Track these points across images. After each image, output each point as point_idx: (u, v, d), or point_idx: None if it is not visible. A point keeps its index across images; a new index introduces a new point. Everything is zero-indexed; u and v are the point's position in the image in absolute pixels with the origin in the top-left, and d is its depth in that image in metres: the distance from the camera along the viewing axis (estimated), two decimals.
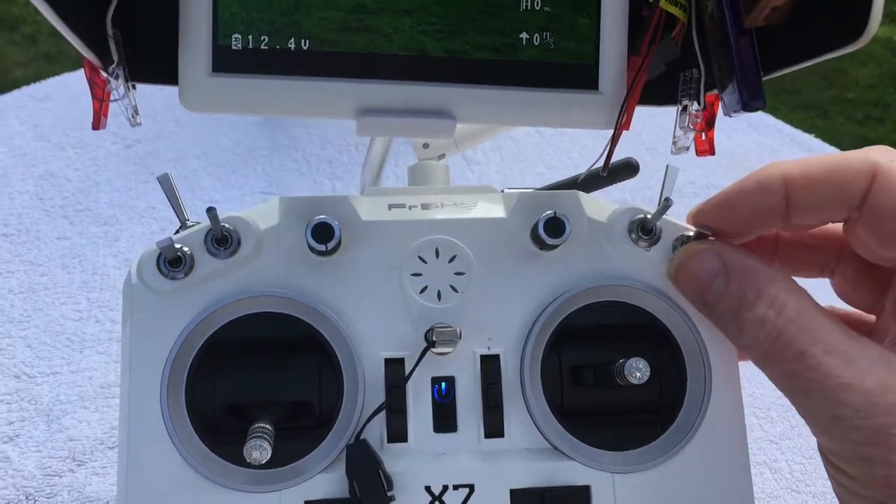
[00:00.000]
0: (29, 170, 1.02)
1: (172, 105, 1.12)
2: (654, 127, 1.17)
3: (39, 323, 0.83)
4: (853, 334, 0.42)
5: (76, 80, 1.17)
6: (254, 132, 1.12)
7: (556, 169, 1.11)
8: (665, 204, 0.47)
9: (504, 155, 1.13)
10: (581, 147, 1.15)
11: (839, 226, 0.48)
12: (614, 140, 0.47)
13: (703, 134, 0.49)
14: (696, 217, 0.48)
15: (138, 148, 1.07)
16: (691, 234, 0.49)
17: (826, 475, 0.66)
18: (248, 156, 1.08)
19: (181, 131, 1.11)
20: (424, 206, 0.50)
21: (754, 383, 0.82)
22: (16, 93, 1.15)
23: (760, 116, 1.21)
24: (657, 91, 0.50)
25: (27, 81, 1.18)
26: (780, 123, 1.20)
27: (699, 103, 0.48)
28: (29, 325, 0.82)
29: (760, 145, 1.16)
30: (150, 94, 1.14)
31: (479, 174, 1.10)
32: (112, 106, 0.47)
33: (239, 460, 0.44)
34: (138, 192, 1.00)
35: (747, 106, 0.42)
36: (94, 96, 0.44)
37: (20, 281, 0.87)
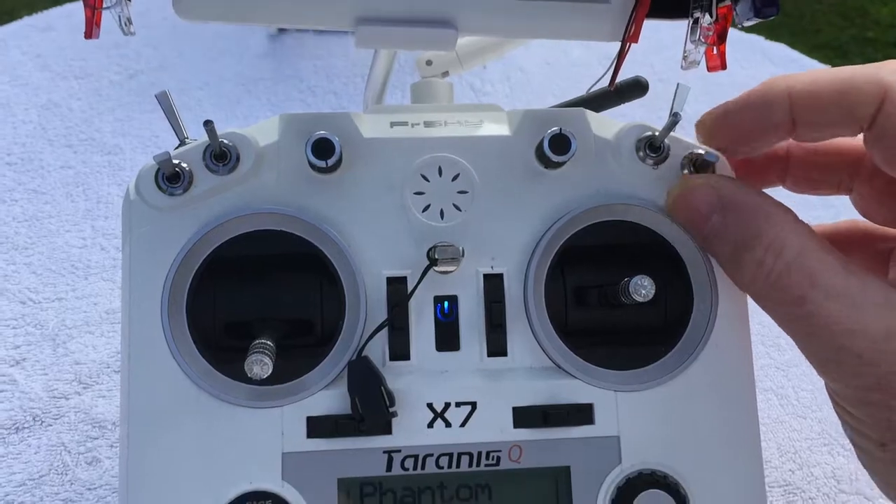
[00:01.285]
0: (31, 99, 1.01)
1: (175, 36, 1.11)
2: (667, 59, 1.14)
3: (44, 250, 0.83)
4: (857, 272, 0.40)
5: (78, 10, 1.14)
6: (258, 63, 1.10)
7: (566, 100, 1.09)
8: (673, 119, 0.46)
9: (513, 86, 1.11)
10: (592, 77, 1.11)
11: (853, 142, 0.47)
12: (622, 53, 0.46)
13: (715, 48, 0.47)
14: (698, 127, 0.47)
15: (141, 78, 1.05)
16: (701, 151, 0.48)
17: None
18: (252, 87, 1.07)
19: (184, 62, 1.09)
20: (427, 124, 0.49)
21: (762, 311, 0.81)
22: (17, 23, 1.13)
23: (776, 47, 1.18)
24: (667, 3, 0.48)
25: None
26: (795, 54, 1.17)
27: (711, 15, 0.46)
28: (33, 252, 0.82)
29: (775, 76, 1.13)
30: (152, 24, 1.13)
31: None
32: (110, 39, 0.46)
33: (241, 376, 0.44)
34: (142, 122, 0.99)
35: (760, 12, 0.41)
36: (85, 4, 0.42)
37: (24, 208, 0.87)
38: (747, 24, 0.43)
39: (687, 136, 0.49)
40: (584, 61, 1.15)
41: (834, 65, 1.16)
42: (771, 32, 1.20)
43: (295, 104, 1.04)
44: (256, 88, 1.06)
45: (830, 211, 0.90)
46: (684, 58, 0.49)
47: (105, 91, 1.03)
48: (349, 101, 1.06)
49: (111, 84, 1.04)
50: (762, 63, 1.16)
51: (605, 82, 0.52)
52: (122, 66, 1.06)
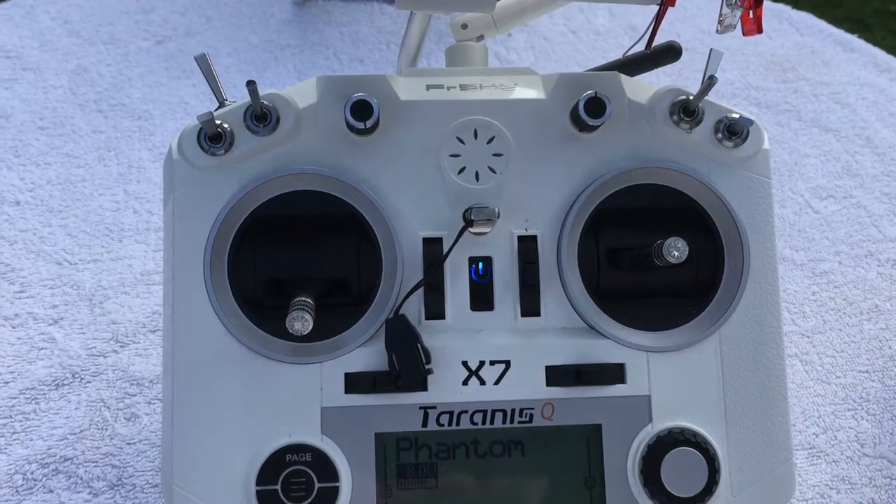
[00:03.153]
0: (61, 65, 1.02)
1: (202, 3, 1.11)
2: (693, 27, 1.14)
3: (78, 213, 0.84)
4: None
5: None
6: (284, 30, 1.10)
7: (599, 65, 1.09)
8: (709, 82, 0.46)
9: (538, 54, 1.11)
10: (617, 47, 1.12)
11: None
12: (659, 16, 0.46)
13: (751, 11, 0.47)
14: None
15: (169, 45, 1.06)
16: (735, 115, 0.48)
17: (856, 368, 0.66)
18: (279, 53, 1.07)
19: (211, 29, 1.09)
20: (463, 87, 0.50)
21: (787, 279, 0.81)
22: None
23: (803, 17, 1.17)
24: None
25: None
26: (822, 24, 1.16)
27: None
28: (68, 215, 0.84)
29: (801, 46, 1.12)
30: None
31: None
32: (136, 5, 0.46)
33: (281, 333, 0.45)
34: (170, 87, 1.00)
35: None
36: None
37: (58, 172, 0.88)
38: None
39: (711, 99, 0.49)
40: (608, 30, 1.14)
41: (858, 37, 1.15)
42: (795, 4, 1.19)
43: (321, 71, 1.05)
44: (283, 55, 1.07)
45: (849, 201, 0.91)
46: (720, 21, 0.49)
47: (133, 57, 1.04)
48: (375, 68, 1.07)
49: (139, 50, 1.04)
50: (789, 32, 1.15)
51: (637, 47, 0.52)
52: (149, 32, 1.07)
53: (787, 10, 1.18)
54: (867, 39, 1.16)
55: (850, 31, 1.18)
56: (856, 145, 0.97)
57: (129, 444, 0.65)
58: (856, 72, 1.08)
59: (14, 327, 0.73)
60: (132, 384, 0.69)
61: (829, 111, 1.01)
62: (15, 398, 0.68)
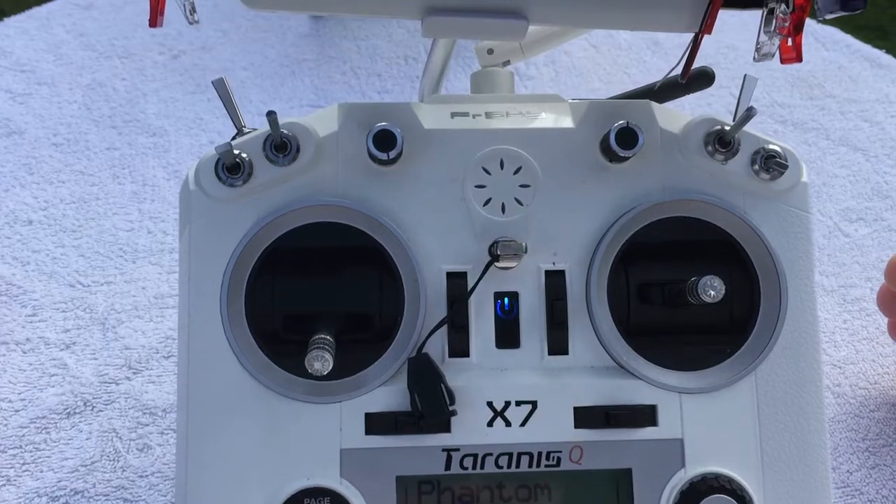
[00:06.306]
0: (76, 79, 1.01)
1: (218, 16, 1.10)
2: (716, 42, 1.12)
3: (92, 233, 0.83)
4: None
5: None
6: (301, 44, 1.09)
7: (613, 85, 1.07)
8: (747, 114, 0.44)
9: (558, 69, 1.09)
10: (639, 62, 1.10)
11: None
12: (696, 44, 0.45)
13: (790, 39, 0.45)
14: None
15: (184, 59, 1.05)
16: (775, 147, 0.46)
17: (890, 401, 0.64)
18: (295, 68, 1.06)
19: (227, 42, 1.08)
20: (489, 115, 0.48)
21: (818, 307, 0.79)
22: (61, 1, 1.13)
23: (829, 31, 1.15)
24: None
25: None
26: (849, 38, 1.14)
27: (788, 5, 0.44)
28: (82, 235, 0.83)
29: (828, 62, 1.10)
30: (194, 3, 1.12)
31: (532, 89, 1.06)
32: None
33: (299, 371, 0.43)
34: (185, 103, 0.99)
35: (847, 5, 0.39)
36: None
37: (71, 190, 0.87)
38: (829, 17, 0.41)
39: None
40: (630, 45, 1.12)
41: (876, 46, 1.13)
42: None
43: (338, 86, 1.03)
44: (300, 69, 1.05)
45: None
46: (757, 49, 0.47)
47: (149, 71, 1.03)
48: (393, 83, 1.05)
49: (155, 64, 1.03)
50: (815, 47, 1.13)
51: (675, 65, 0.50)
52: (165, 46, 1.06)
53: (812, 24, 1.16)
54: (887, 48, 1.14)
55: (869, 38, 1.16)
56: (886, 165, 0.94)
57: (142, 476, 0.64)
58: (884, 88, 1.05)
59: (25, 352, 0.72)
60: (145, 413, 0.67)
61: (857, 129, 0.99)
62: (25, 427, 0.67)
